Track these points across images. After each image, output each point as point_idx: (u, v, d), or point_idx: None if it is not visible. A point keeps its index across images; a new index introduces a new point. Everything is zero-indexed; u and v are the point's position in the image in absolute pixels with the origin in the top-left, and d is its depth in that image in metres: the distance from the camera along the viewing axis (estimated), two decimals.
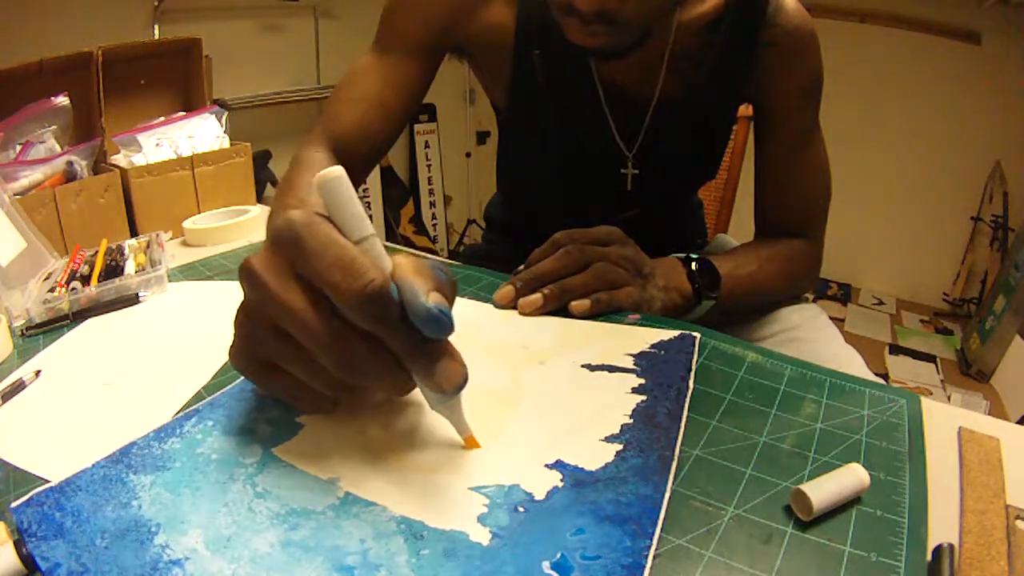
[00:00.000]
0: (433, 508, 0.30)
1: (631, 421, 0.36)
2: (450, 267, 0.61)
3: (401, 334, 0.29)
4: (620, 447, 0.34)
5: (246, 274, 0.30)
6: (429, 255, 0.65)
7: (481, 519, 0.29)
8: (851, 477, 0.31)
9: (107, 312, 0.54)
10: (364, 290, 0.28)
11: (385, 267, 0.30)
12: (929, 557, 0.28)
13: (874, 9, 2.28)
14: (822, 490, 0.30)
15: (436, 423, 0.36)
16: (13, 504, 0.30)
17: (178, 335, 0.51)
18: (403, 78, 0.65)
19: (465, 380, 0.30)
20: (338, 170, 0.29)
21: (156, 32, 1.83)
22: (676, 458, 0.33)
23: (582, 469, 0.32)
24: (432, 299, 0.28)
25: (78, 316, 0.53)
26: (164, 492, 0.31)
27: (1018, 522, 0.31)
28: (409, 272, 0.29)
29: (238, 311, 0.33)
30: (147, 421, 0.36)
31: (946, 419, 0.39)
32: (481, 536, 0.28)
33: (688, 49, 0.62)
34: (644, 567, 0.26)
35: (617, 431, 0.35)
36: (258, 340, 0.32)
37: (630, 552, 0.27)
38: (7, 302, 0.53)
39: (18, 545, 0.27)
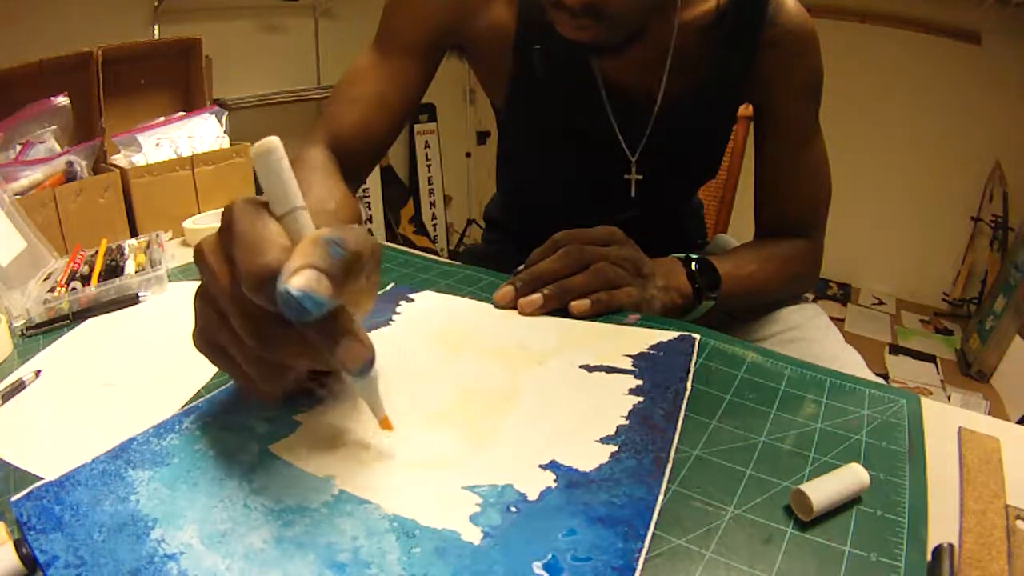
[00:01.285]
0: (426, 507, 0.30)
1: (627, 422, 0.36)
2: (450, 267, 0.61)
3: None
4: (615, 448, 0.34)
5: (196, 256, 0.31)
6: (428, 254, 0.65)
7: (473, 518, 0.29)
8: (851, 477, 0.31)
9: (107, 312, 0.54)
10: (257, 270, 0.27)
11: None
12: (929, 557, 0.28)
13: (874, 9, 2.27)
14: (822, 490, 0.30)
15: (432, 423, 0.36)
16: (13, 498, 0.30)
17: (178, 335, 0.50)
18: (403, 77, 0.65)
19: (369, 363, 0.30)
20: (270, 142, 0.29)
21: (156, 32, 1.83)
22: (671, 460, 0.33)
23: (576, 470, 0.32)
24: (296, 282, 0.26)
25: (78, 316, 0.53)
26: (162, 487, 0.31)
27: (1018, 522, 0.31)
28: (296, 250, 0.28)
29: (195, 293, 0.33)
30: (147, 421, 0.37)
31: (946, 419, 0.39)
32: (473, 535, 0.28)
33: (690, 48, 0.62)
34: (635, 569, 0.26)
35: (613, 432, 0.35)
36: (208, 321, 0.32)
37: (621, 554, 0.27)
38: (7, 302, 0.53)
39: (18, 545, 0.27)
